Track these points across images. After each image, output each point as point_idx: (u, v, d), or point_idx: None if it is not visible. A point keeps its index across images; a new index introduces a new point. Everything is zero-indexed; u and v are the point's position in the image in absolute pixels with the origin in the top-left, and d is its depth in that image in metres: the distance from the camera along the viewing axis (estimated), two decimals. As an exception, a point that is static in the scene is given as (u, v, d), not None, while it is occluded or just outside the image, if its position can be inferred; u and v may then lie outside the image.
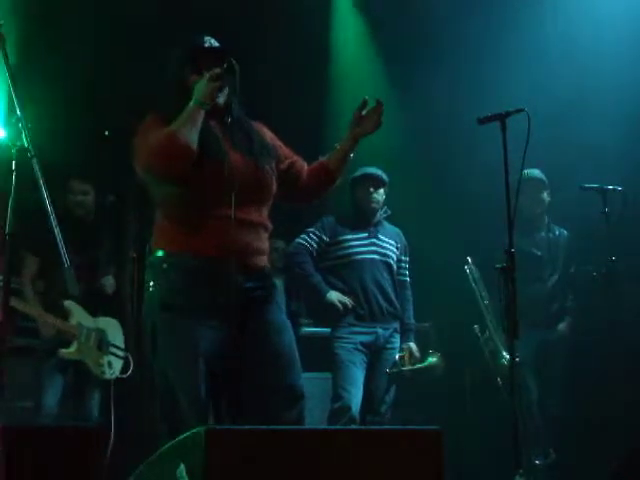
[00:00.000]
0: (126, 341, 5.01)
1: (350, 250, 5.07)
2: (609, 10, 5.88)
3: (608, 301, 4.96)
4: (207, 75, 3.05)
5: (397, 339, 5.11)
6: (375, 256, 5.09)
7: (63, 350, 4.71)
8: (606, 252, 4.93)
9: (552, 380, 5.33)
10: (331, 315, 5.04)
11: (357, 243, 5.09)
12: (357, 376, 4.92)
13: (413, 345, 5.14)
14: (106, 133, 4.88)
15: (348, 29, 6.81)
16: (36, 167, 2.63)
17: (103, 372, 4.80)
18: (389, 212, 5.24)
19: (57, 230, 4.48)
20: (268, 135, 3.36)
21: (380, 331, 5.03)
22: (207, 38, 3.24)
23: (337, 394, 4.87)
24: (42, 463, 2.68)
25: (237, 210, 3.04)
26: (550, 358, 5.34)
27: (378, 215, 5.18)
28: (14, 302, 4.49)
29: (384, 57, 6.64)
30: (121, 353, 4.89)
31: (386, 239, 5.17)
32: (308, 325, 5.96)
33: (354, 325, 5.00)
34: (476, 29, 6.08)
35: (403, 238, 5.30)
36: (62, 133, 5.12)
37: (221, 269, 3.04)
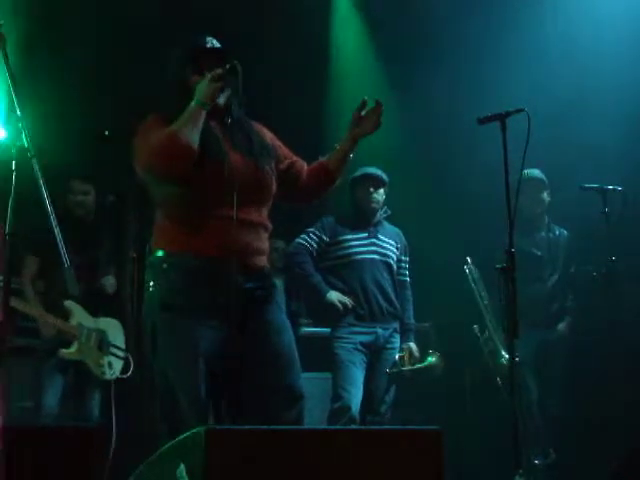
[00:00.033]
0: (126, 341, 5.01)
1: (350, 250, 5.08)
2: (609, 10, 5.88)
3: (608, 301, 4.96)
4: (209, 76, 3.06)
5: (397, 339, 5.11)
6: (375, 256, 5.10)
7: (63, 350, 4.72)
8: (606, 252, 4.93)
9: (552, 380, 5.33)
10: (331, 315, 5.04)
11: (357, 243, 5.09)
12: (357, 376, 4.92)
13: (413, 345, 5.15)
14: (106, 133, 4.88)
15: (348, 29, 6.81)
16: (36, 167, 2.63)
17: (103, 372, 4.80)
18: (389, 212, 5.24)
19: (57, 230, 4.48)
20: (268, 135, 3.36)
21: (380, 331, 5.03)
22: (209, 39, 3.25)
23: (337, 394, 4.87)
24: (42, 463, 2.68)
25: (237, 210, 3.04)
26: (550, 358, 5.34)
27: (378, 215, 5.18)
28: (15, 302, 4.49)
29: (384, 57, 6.64)
30: (121, 353, 4.89)
31: (386, 239, 5.17)
32: (308, 325, 5.96)
33: (354, 325, 5.00)
34: (476, 29, 6.08)
35: (403, 238, 5.30)
36: (62, 133, 5.12)
37: (221, 269, 3.04)
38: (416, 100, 6.11)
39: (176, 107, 3.10)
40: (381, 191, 5.14)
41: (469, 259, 5.36)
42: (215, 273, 3.06)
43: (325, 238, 5.11)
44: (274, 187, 3.24)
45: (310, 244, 5.10)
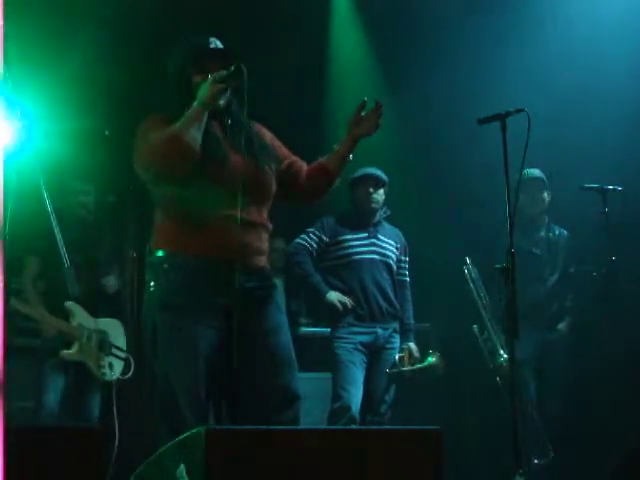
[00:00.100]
0: (127, 342, 5.00)
1: (350, 250, 5.08)
2: (609, 10, 5.87)
3: (608, 301, 4.96)
4: (212, 77, 3.06)
5: (397, 339, 5.11)
6: (375, 256, 5.10)
7: (64, 351, 4.71)
8: (606, 252, 4.93)
9: (552, 380, 5.32)
10: (331, 315, 5.04)
11: (357, 243, 5.09)
12: (357, 376, 4.92)
13: (413, 345, 5.15)
14: (106, 133, 4.88)
15: (347, 29, 6.80)
16: (36, 167, 2.63)
17: (104, 374, 4.79)
18: (389, 212, 5.25)
19: (57, 230, 4.48)
20: (267, 136, 3.37)
21: (380, 331, 5.03)
22: (212, 39, 3.25)
23: (337, 394, 4.88)
24: (42, 463, 2.68)
25: (237, 210, 3.04)
26: (550, 358, 5.34)
27: (378, 215, 5.19)
28: (16, 303, 4.49)
29: (383, 57, 6.64)
30: (122, 354, 4.88)
31: (386, 239, 5.18)
32: (307, 325, 5.97)
33: (354, 325, 5.01)
34: (476, 29, 6.08)
35: (403, 238, 5.30)
36: (62, 133, 5.12)
37: (221, 269, 3.04)
38: (416, 100, 6.11)
39: (177, 107, 3.10)
40: (381, 191, 5.14)
41: (468, 259, 5.36)
42: (215, 273, 3.06)
43: (325, 238, 5.12)
44: (274, 187, 3.24)
45: (310, 244, 5.10)
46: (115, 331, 4.96)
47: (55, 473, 2.70)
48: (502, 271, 3.57)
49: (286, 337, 3.21)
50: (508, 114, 3.67)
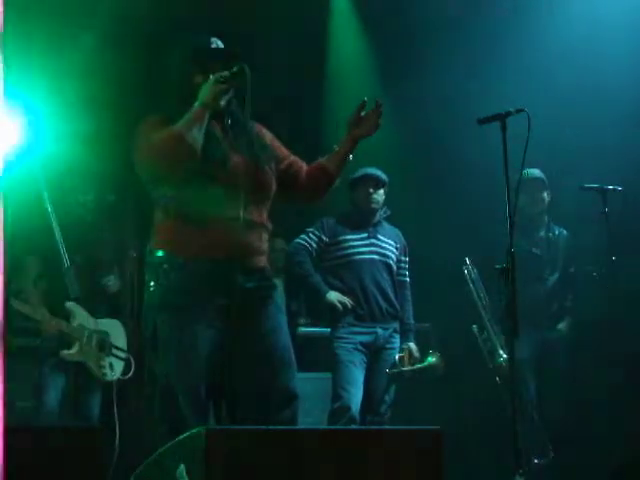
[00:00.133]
0: (127, 342, 5.00)
1: (350, 250, 5.08)
2: (608, 10, 5.87)
3: (608, 301, 4.96)
4: (213, 77, 3.06)
5: (397, 339, 5.11)
6: (375, 256, 5.10)
7: (64, 351, 4.71)
8: (606, 252, 4.93)
9: (552, 380, 5.32)
10: (331, 315, 5.04)
11: (357, 243, 5.09)
12: (357, 376, 4.92)
13: (413, 345, 5.15)
14: (106, 133, 4.88)
15: (346, 29, 6.80)
16: (36, 167, 2.64)
17: (104, 374, 4.79)
18: (389, 212, 5.25)
19: (57, 230, 4.48)
20: (267, 136, 3.37)
21: (380, 331, 5.03)
22: (213, 39, 3.25)
23: (337, 394, 4.88)
24: (42, 463, 2.68)
25: (239, 210, 3.05)
26: (550, 358, 5.34)
27: (378, 215, 5.19)
28: (16, 304, 4.49)
29: (383, 57, 6.64)
30: (123, 355, 4.88)
31: (386, 239, 5.17)
32: (307, 325, 5.97)
33: (354, 325, 5.01)
34: (475, 29, 6.08)
35: (402, 238, 5.30)
36: (62, 133, 5.12)
37: (221, 269, 3.05)
38: (416, 100, 6.11)
39: (178, 107, 3.10)
40: (381, 191, 5.14)
41: (468, 259, 5.36)
42: (215, 273, 3.06)
43: (325, 238, 5.12)
44: (274, 187, 3.24)
45: (310, 244, 5.10)
46: (115, 331, 4.96)
47: (55, 473, 2.70)
48: (502, 271, 3.57)
49: (285, 337, 3.21)
50: (508, 114, 3.67)
